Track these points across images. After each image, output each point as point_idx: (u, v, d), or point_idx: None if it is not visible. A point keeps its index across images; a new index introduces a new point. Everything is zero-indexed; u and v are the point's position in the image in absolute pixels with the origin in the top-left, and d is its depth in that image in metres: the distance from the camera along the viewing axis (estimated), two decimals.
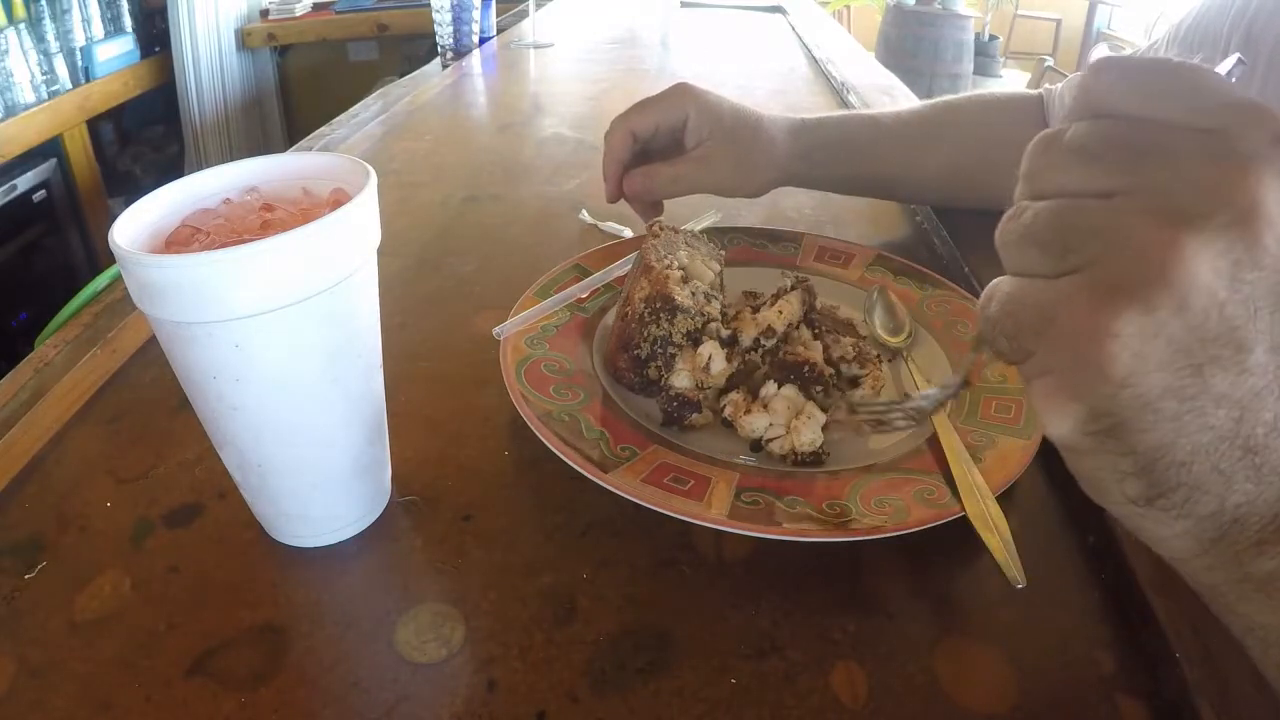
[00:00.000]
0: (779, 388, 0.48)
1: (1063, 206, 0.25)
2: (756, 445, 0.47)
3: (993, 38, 4.34)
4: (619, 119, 0.66)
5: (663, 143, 0.67)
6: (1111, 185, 0.25)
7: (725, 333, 0.50)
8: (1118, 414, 0.24)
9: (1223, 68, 0.27)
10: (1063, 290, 0.25)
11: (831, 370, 0.49)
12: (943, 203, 0.78)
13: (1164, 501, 0.25)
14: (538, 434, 0.45)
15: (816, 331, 0.52)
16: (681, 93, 0.66)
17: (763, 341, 0.50)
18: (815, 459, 0.46)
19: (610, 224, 0.76)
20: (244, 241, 0.35)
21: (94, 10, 2.43)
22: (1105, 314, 0.23)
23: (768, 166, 0.68)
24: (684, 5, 2.01)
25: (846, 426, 0.47)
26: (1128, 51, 3.75)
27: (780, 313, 0.51)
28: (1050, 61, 3.38)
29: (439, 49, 1.52)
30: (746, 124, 0.66)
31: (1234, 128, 0.24)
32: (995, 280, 0.27)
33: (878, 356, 0.53)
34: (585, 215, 0.79)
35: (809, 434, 0.45)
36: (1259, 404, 0.24)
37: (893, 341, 0.56)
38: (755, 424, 0.47)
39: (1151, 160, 0.24)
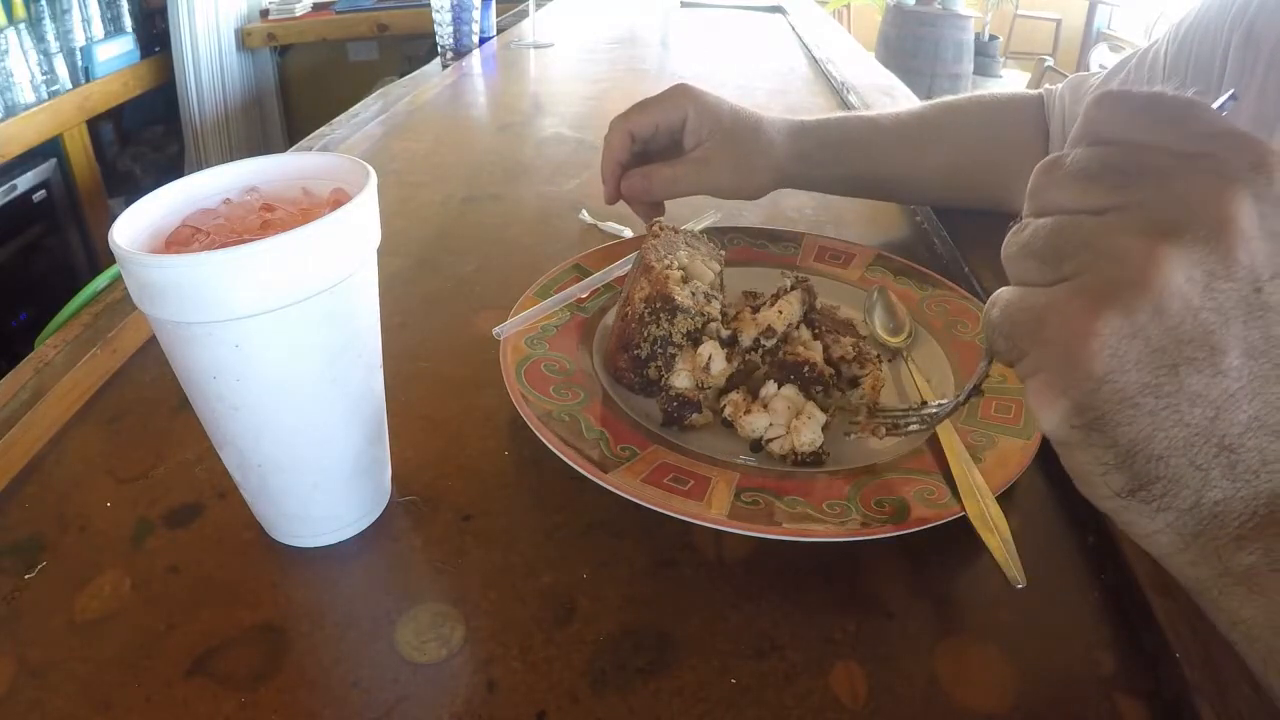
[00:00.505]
0: (779, 388, 0.48)
1: (1060, 222, 0.28)
2: (756, 445, 0.47)
3: (993, 38, 4.34)
4: (618, 120, 0.66)
5: (662, 143, 0.67)
6: (1105, 203, 0.27)
7: (725, 333, 0.50)
8: (1099, 408, 0.26)
9: (1217, 103, 0.30)
10: (1055, 296, 0.27)
11: (831, 370, 0.49)
12: (943, 203, 0.78)
13: (1144, 494, 0.27)
14: (538, 434, 0.45)
15: (816, 331, 0.52)
16: (681, 93, 0.66)
17: (763, 341, 0.50)
18: (815, 459, 0.46)
19: (610, 224, 0.76)
20: (244, 241, 0.35)
21: (94, 10, 2.43)
22: (1090, 316, 0.25)
23: (766, 168, 0.68)
24: (684, 5, 2.01)
25: (864, 429, 0.47)
26: (1127, 51, 3.75)
27: (780, 313, 0.51)
28: (1050, 61, 3.38)
29: (439, 49, 1.52)
30: (746, 125, 0.67)
31: (1219, 153, 0.26)
32: (999, 290, 0.30)
33: (878, 356, 0.53)
34: (585, 215, 0.79)
35: (809, 434, 0.45)
36: (1233, 405, 0.25)
37: (893, 341, 0.56)
38: (755, 424, 0.47)
39: (1141, 180, 0.27)
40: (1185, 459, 0.26)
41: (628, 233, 0.75)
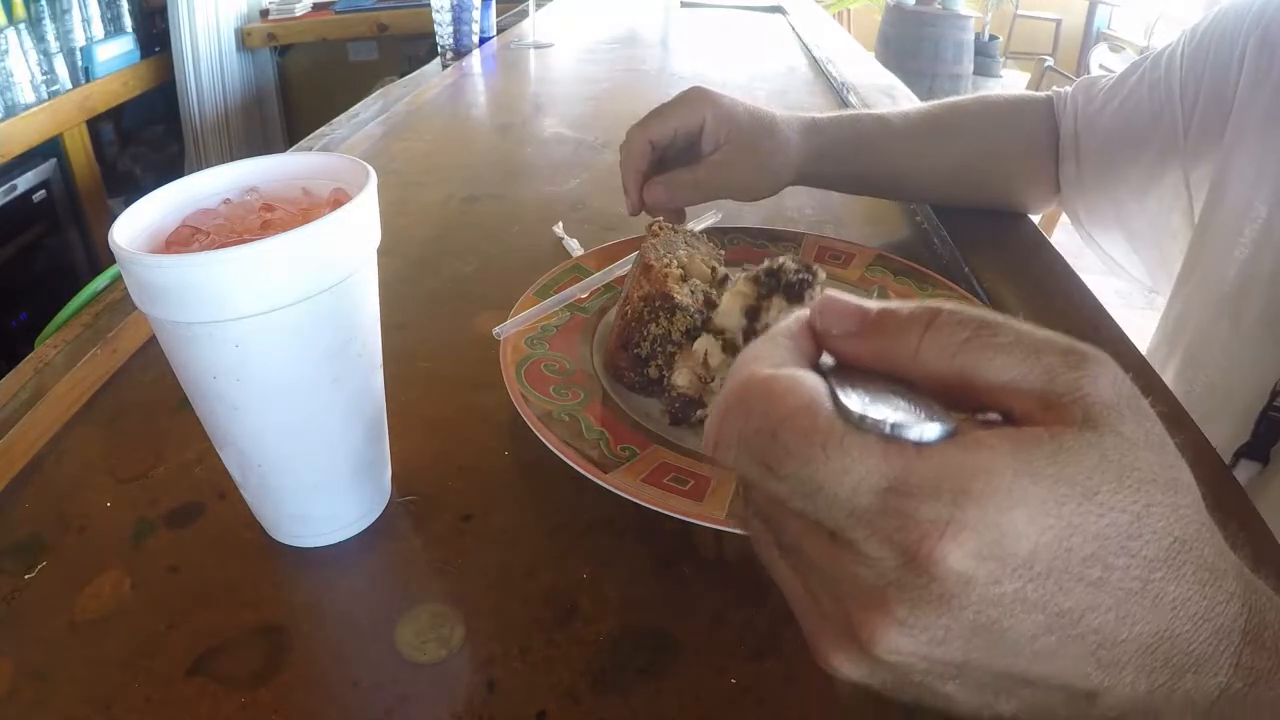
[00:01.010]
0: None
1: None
2: None
3: (993, 38, 4.33)
4: (636, 128, 0.64)
5: (679, 148, 0.66)
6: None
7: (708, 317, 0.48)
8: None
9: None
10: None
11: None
12: (949, 202, 0.78)
13: None
14: (538, 434, 0.45)
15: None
16: (697, 97, 0.65)
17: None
18: None
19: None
20: (244, 241, 0.35)
21: (94, 10, 2.43)
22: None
23: (784, 167, 0.67)
24: (684, 5, 2.01)
25: None
26: (1126, 51, 3.75)
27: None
28: (1050, 61, 3.37)
29: (439, 49, 1.52)
30: (762, 125, 0.66)
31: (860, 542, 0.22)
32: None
33: None
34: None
35: None
36: None
37: None
38: None
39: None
40: None
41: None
